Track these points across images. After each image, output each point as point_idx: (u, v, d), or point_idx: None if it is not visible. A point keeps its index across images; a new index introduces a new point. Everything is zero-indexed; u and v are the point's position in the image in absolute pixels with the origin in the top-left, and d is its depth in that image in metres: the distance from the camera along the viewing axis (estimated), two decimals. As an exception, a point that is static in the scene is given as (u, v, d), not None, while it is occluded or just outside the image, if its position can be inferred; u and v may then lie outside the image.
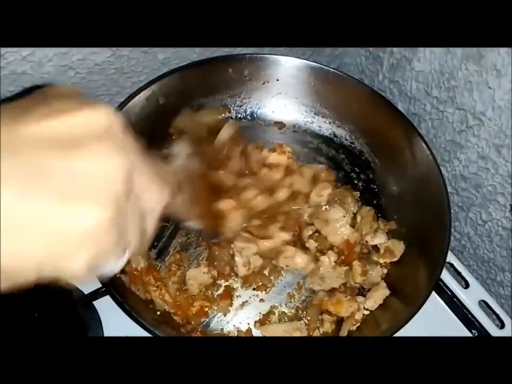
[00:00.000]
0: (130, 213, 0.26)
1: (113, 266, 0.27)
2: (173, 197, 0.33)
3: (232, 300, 0.63)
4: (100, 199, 0.24)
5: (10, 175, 0.21)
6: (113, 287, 0.53)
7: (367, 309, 0.63)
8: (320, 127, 0.78)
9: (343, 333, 0.61)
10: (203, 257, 0.65)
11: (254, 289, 0.64)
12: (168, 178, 0.33)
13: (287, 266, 0.65)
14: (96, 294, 0.58)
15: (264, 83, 0.75)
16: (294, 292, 0.65)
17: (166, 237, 0.66)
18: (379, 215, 0.71)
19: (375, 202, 0.73)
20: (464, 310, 0.70)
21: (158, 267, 0.64)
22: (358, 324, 0.62)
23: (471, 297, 0.71)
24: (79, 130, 0.24)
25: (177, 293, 0.61)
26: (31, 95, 0.27)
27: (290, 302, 0.64)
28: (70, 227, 0.23)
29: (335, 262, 0.65)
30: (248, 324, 0.62)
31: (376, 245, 0.67)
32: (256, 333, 0.62)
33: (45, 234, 0.23)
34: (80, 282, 0.25)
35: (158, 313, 0.59)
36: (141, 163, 0.28)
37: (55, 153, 0.23)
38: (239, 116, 0.77)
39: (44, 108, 0.24)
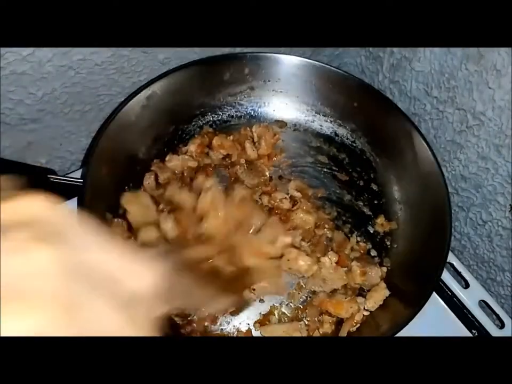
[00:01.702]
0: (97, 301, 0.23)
1: None
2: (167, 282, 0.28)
3: None
4: (35, 304, 0.21)
5: None
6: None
7: (367, 310, 0.63)
8: (321, 126, 0.78)
9: (343, 333, 0.61)
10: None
11: (254, 289, 0.64)
12: (153, 262, 0.28)
13: (289, 268, 0.65)
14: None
15: (265, 82, 0.75)
16: (294, 292, 0.65)
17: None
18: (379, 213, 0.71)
19: (376, 202, 0.73)
20: (464, 310, 0.70)
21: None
22: (358, 325, 0.62)
23: (471, 297, 0.71)
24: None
25: None
26: None
27: (290, 302, 0.64)
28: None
29: (336, 263, 0.65)
30: (248, 324, 0.62)
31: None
32: (256, 333, 0.62)
33: None
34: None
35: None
36: (81, 250, 0.24)
37: None
38: (239, 114, 0.77)
39: None
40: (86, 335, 0.23)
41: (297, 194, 0.70)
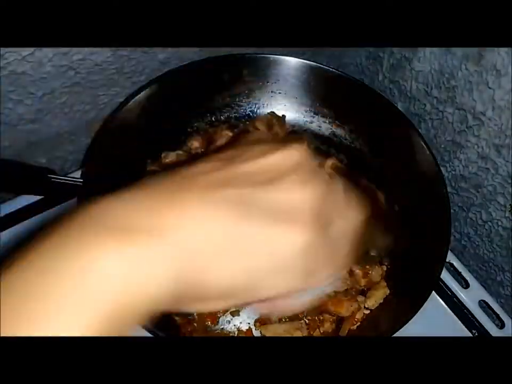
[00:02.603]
0: (328, 238, 0.28)
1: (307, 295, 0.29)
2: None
3: None
4: (299, 223, 0.26)
5: (224, 204, 0.25)
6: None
7: (367, 308, 0.63)
8: (319, 126, 0.78)
9: (343, 332, 0.61)
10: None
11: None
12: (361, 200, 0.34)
13: None
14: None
15: (263, 83, 0.75)
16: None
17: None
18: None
19: (375, 202, 0.73)
20: (464, 310, 0.70)
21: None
22: (358, 323, 0.62)
23: (471, 297, 0.71)
24: (275, 167, 0.28)
25: None
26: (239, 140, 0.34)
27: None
28: (280, 248, 0.26)
29: None
30: (249, 323, 0.62)
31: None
32: (256, 333, 0.62)
33: (259, 254, 0.26)
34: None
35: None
36: (331, 191, 0.30)
37: (256, 188, 0.27)
38: (238, 115, 0.77)
39: (249, 151, 0.29)
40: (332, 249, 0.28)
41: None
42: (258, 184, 0.27)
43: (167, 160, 0.69)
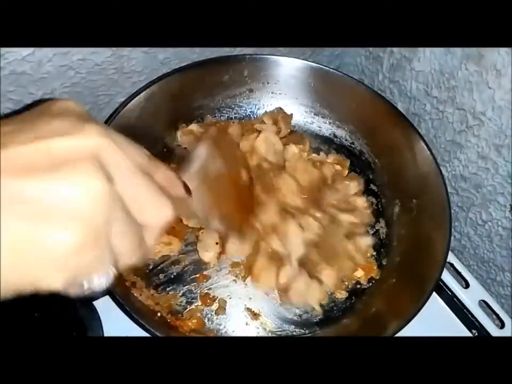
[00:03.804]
0: (118, 231, 0.26)
1: (100, 281, 0.26)
2: (183, 204, 0.33)
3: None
4: (71, 224, 0.24)
5: None
6: (113, 287, 0.53)
7: None
8: (320, 127, 0.78)
9: None
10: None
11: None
12: (176, 188, 0.33)
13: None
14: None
15: (264, 84, 0.75)
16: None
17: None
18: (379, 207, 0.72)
19: (375, 202, 0.73)
20: (464, 310, 0.70)
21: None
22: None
23: (471, 297, 0.71)
24: (63, 154, 0.24)
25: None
26: (32, 110, 0.28)
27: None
28: (44, 249, 0.23)
29: None
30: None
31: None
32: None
33: (21, 253, 0.23)
34: (66, 294, 0.25)
35: (159, 314, 0.59)
36: (136, 180, 0.28)
37: (32, 178, 0.23)
38: (238, 116, 0.77)
39: (37, 128, 0.25)
40: (102, 259, 0.26)
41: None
42: (34, 173, 0.23)
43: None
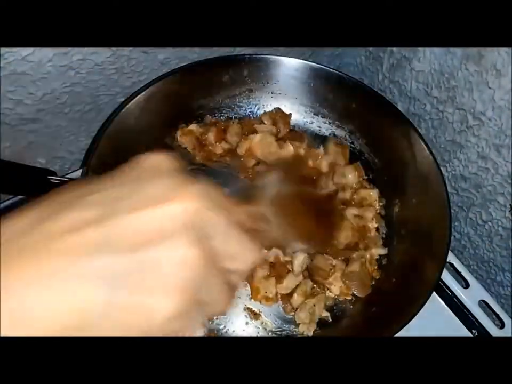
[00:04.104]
0: (213, 287, 0.27)
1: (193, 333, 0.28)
2: (267, 235, 0.33)
3: None
4: (171, 293, 0.24)
5: (94, 278, 0.23)
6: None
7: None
8: (319, 127, 0.78)
9: None
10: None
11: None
12: (259, 223, 0.34)
13: None
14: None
15: (263, 84, 0.75)
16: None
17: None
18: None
19: (375, 202, 0.73)
20: (464, 310, 0.70)
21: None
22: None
23: (471, 297, 0.71)
24: (159, 224, 0.25)
25: None
26: (123, 168, 0.28)
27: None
28: (145, 319, 0.24)
29: None
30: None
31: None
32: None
33: (131, 324, 0.24)
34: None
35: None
36: (230, 234, 0.28)
37: (134, 254, 0.24)
38: (238, 116, 0.77)
39: (131, 196, 0.26)
40: (196, 319, 0.27)
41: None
42: (136, 247, 0.24)
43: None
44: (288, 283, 0.62)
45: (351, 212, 0.68)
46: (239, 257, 0.29)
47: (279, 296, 0.63)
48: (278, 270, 0.62)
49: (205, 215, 0.26)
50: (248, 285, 0.64)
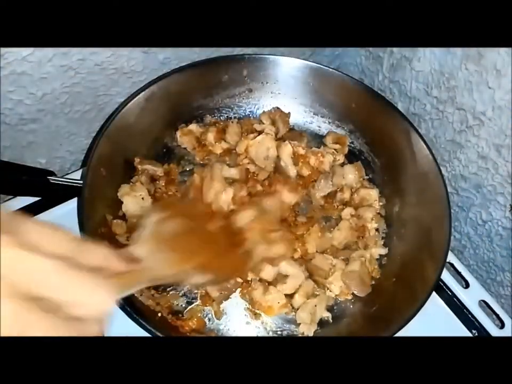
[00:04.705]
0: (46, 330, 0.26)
1: None
2: (140, 273, 0.32)
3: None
4: None
5: None
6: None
7: None
8: (319, 127, 0.78)
9: None
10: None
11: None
12: (116, 264, 0.32)
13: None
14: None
15: (263, 83, 0.75)
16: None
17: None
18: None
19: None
20: (464, 310, 0.70)
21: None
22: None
23: (471, 297, 0.71)
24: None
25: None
26: None
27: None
28: None
29: None
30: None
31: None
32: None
33: None
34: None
35: (159, 314, 0.59)
36: (60, 278, 0.27)
37: None
38: (238, 116, 0.77)
39: None
40: None
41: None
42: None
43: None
44: (289, 285, 0.62)
45: (347, 211, 0.68)
46: (84, 302, 0.28)
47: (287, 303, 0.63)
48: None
49: (23, 263, 0.26)
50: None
